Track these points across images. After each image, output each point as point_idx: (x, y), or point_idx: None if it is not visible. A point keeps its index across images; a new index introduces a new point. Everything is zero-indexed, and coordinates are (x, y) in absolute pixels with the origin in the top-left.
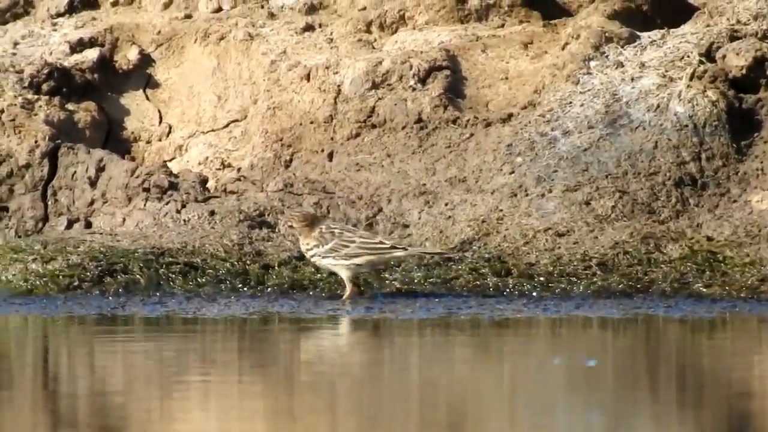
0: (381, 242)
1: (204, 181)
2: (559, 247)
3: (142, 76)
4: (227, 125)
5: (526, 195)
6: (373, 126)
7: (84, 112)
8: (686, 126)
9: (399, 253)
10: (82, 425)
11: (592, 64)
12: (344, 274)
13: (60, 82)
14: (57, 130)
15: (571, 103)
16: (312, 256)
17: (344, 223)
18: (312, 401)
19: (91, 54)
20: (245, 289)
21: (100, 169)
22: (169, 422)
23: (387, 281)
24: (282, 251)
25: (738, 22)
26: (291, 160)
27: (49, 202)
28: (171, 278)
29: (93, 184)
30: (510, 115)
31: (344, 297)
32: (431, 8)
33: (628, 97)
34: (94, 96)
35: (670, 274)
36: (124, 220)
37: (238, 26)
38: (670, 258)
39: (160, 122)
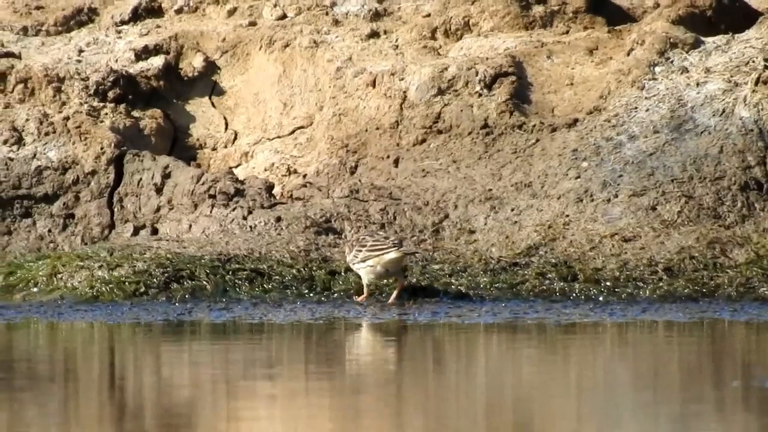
0: (383, 243)
1: (270, 188)
2: (626, 252)
3: (207, 83)
4: (293, 132)
5: (592, 200)
6: (439, 132)
7: (149, 119)
8: (751, 130)
9: (392, 255)
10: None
11: (657, 69)
12: (364, 279)
13: (125, 90)
14: (123, 137)
15: (636, 108)
16: (348, 262)
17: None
18: (378, 404)
19: (156, 61)
20: (311, 294)
21: (166, 176)
22: (235, 426)
23: (453, 286)
24: None
25: None
26: (357, 167)
27: (115, 209)
28: (237, 284)
29: (159, 190)
30: (575, 121)
31: (360, 299)
32: (496, 15)
33: (693, 102)
34: (160, 103)
35: (736, 279)
36: (190, 226)
37: (303, 33)
38: (735, 263)
39: (226, 129)
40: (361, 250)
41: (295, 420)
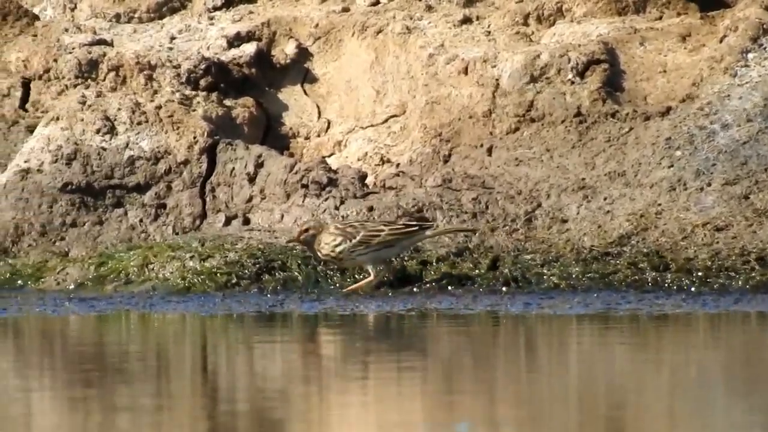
0: (406, 224)
1: (363, 177)
2: (718, 242)
3: (299, 70)
4: (386, 120)
5: (685, 189)
6: (532, 120)
7: (242, 107)
8: None
9: (429, 232)
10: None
11: (750, 56)
12: (371, 265)
13: (217, 78)
14: (215, 126)
15: (729, 96)
16: (340, 252)
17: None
18: (470, 395)
19: (249, 48)
20: (405, 285)
21: (259, 165)
22: (326, 419)
23: (545, 276)
24: (440, 247)
25: None
26: (450, 155)
27: (207, 199)
28: (329, 275)
29: (251, 180)
30: (668, 109)
31: (364, 284)
32: (589, 0)
33: None
34: (252, 91)
35: None
36: (282, 216)
37: (396, 19)
38: None
39: (319, 117)
40: (377, 235)
41: (386, 412)
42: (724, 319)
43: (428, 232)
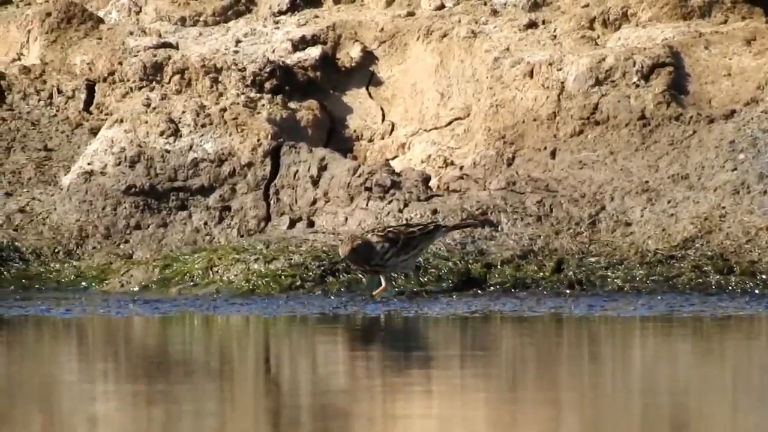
0: (426, 225)
1: (426, 180)
2: None
3: (364, 74)
4: (450, 123)
5: (749, 192)
6: (597, 123)
7: (306, 110)
8: None
9: (444, 231)
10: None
11: None
12: (406, 268)
13: (282, 81)
14: (279, 129)
15: None
16: (388, 259)
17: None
18: (534, 398)
19: (314, 52)
20: (469, 288)
21: (323, 168)
22: (391, 421)
23: (609, 279)
24: (505, 250)
25: None
26: (514, 158)
27: (272, 202)
28: (393, 277)
29: (315, 183)
30: (732, 112)
31: (377, 292)
32: (654, 5)
33: None
34: (317, 94)
35: None
36: (346, 219)
37: (461, 23)
38: None
39: (383, 120)
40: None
41: (450, 417)
42: None
43: (443, 229)
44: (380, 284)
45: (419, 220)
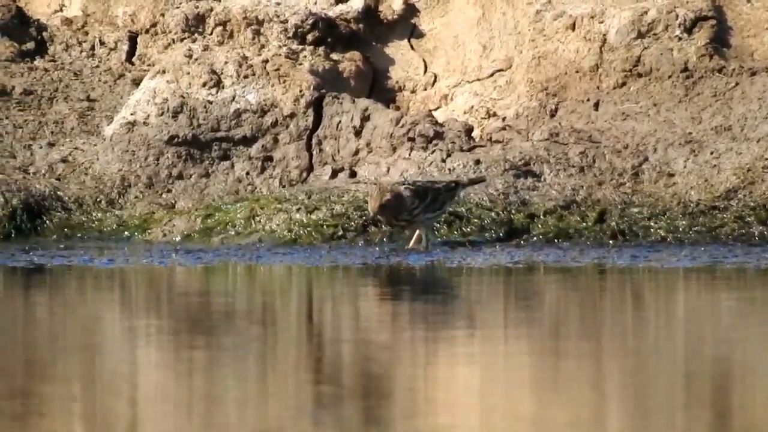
0: (448, 182)
1: (469, 130)
2: None
3: (406, 26)
4: (492, 74)
5: None
6: (639, 75)
7: (349, 61)
8: None
9: (462, 187)
10: (346, 373)
11: None
12: (425, 227)
13: (324, 33)
14: (321, 80)
15: None
16: (417, 215)
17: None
18: (578, 349)
19: (356, 4)
20: (512, 239)
21: (365, 119)
22: (432, 374)
23: (652, 230)
24: (548, 200)
25: None
26: (556, 110)
27: (314, 152)
28: (435, 227)
29: (358, 133)
30: None
31: (412, 245)
32: None
33: None
34: (359, 46)
35: None
36: (388, 169)
37: None
38: None
39: (425, 72)
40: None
41: (493, 375)
42: None
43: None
44: (414, 237)
45: (462, 170)
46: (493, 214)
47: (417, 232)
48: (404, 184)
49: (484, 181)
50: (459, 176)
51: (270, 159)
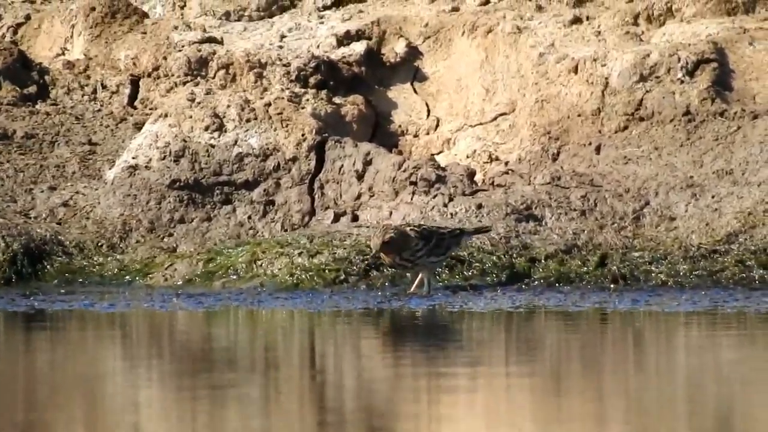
0: (453, 229)
1: (471, 175)
2: None
3: (409, 69)
4: (495, 118)
5: None
6: (641, 119)
7: (351, 105)
8: None
9: (466, 236)
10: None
11: None
12: (427, 272)
13: (327, 76)
14: (324, 124)
15: None
16: (420, 257)
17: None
18: (576, 393)
19: (358, 47)
20: (513, 283)
21: (367, 163)
22: (436, 420)
23: (653, 274)
24: (549, 244)
25: None
26: (558, 153)
27: (316, 196)
28: (437, 272)
29: (360, 177)
30: None
31: (425, 292)
32: (699, 0)
33: None
34: (361, 89)
35: None
36: (390, 213)
37: (506, 19)
38: None
39: (428, 115)
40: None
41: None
42: None
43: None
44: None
45: (464, 214)
46: (494, 258)
47: (419, 276)
48: (409, 226)
49: (489, 231)
50: (464, 224)
51: (272, 203)
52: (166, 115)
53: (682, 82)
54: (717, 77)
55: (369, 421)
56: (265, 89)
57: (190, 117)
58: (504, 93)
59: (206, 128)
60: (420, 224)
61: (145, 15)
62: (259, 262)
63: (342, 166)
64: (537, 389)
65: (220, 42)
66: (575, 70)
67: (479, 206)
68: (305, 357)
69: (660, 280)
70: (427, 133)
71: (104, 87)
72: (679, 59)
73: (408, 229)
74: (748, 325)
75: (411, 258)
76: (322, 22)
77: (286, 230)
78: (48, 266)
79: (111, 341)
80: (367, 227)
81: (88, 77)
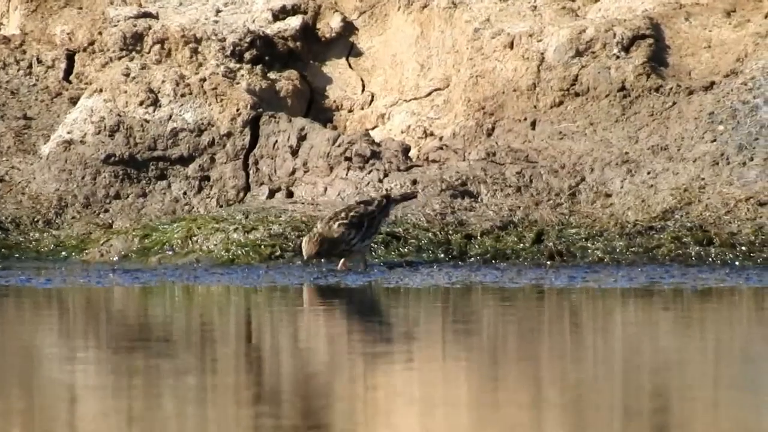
0: (379, 201)
1: (406, 150)
2: (761, 216)
3: (344, 44)
4: (430, 94)
5: (728, 163)
6: (576, 94)
7: (286, 80)
8: None
9: (394, 203)
10: (286, 395)
11: None
12: (365, 252)
13: (262, 51)
14: (259, 99)
15: None
16: (355, 244)
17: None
18: (515, 369)
19: (294, 22)
20: (447, 258)
21: (302, 138)
22: (372, 393)
23: (589, 250)
24: (485, 220)
25: None
26: (493, 129)
27: (251, 171)
28: (373, 248)
29: (294, 153)
30: (712, 84)
31: (361, 268)
32: None
33: None
34: (297, 64)
35: None
36: (325, 189)
37: None
38: None
39: (363, 91)
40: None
41: (431, 389)
42: (767, 293)
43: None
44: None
45: (399, 190)
46: (430, 234)
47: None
48: (338, 220)
49: (416, 197)
50: (426, 189)
51: (207, 178)
52: (101, 90)
53: (618, 57)
54: (653, 53)
55: (306, 400)
56: (200, 64)
57: (125, 92)
58: (439, 68)
59: (141, 103)
60: (350, 207)
61: None
62: (194, 238)
63: (276, 141)
64: (473, 368)
65: (156, 17)
66: (511, 45)
67: (414, 182)
68: (241, 332)
69: (596, 257)
70: (362, 109)
71: (40, 62)
72: (614, 35)
73: (336, 226)
74: (684, 302)
75: (347, 248)
76: None
77: (221, 206)
78: None
79: (48, 317)
80: (302, 203)
81: (24, 52)
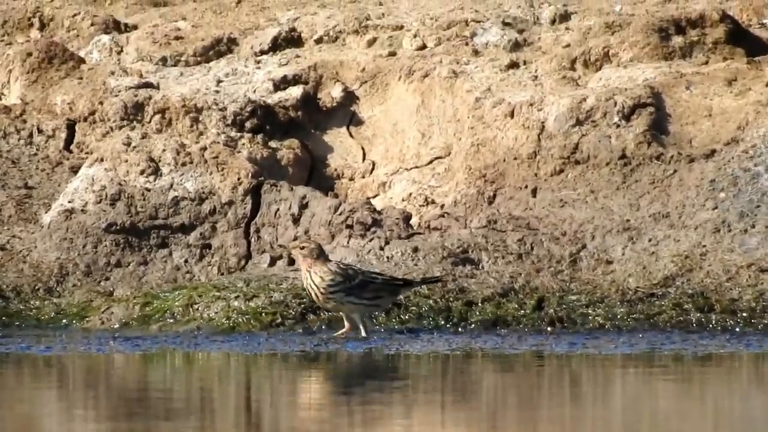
0: (394, 278)
1: (407, 218)
2: (762, 283)
3: (345, 113)
4: (431, 162)
5: (729, 231)
6: (577, 162)
7: (287, 149)
8: None
9: (407, 291)
10: None
11: None
12: (358, 314)
13: (263, 120)
14: (260, 168)
15: None
16: (333, 292)
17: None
18: None
19: (295, 91)
20: (448, 325)
21: (303, 206)
22: None
23: (590, 317)
24: (486, 287)
25: None
26: (494, 197)
27: (252, 239)
28: (374, 315)
29: (296, 221)
30: (713, 151)
31: (339, 333)
32: (636, 45)
33: None
34: (298, 133)
35: None
36: None
37: (443, 63)
38: None
39: (364, 159)
40: (373, 282)
41: None
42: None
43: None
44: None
45: (400, 258)
46: (431, 301)
47: (351, 320)
48: (338, 263)
49: (440, 281)
50: (427, 257)
51: (208, 247)
52: (102, 159)
53: (618, 126)
54: (653, 121)
55: None
56: (201, 133)
57: (126, 161)
58: (440, 137)
59: (142, 172)
60: (353, 266)
61: (82, 60)
62: (195, 306)
63: (278, 209)
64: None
65: (157, 87)
66: (511, 114)
67: (415, 249)
68: (241, 399)
69: (597, 323)
70: (363, 177)
71: (40, 131)
72: (615, 103)
73: (333, 266)
74: (684, 368)
75: (336, 296)
76: (258, 67)
77: (222, 274)
78: None
79: (47, 384)
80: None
81: (24, 122)
